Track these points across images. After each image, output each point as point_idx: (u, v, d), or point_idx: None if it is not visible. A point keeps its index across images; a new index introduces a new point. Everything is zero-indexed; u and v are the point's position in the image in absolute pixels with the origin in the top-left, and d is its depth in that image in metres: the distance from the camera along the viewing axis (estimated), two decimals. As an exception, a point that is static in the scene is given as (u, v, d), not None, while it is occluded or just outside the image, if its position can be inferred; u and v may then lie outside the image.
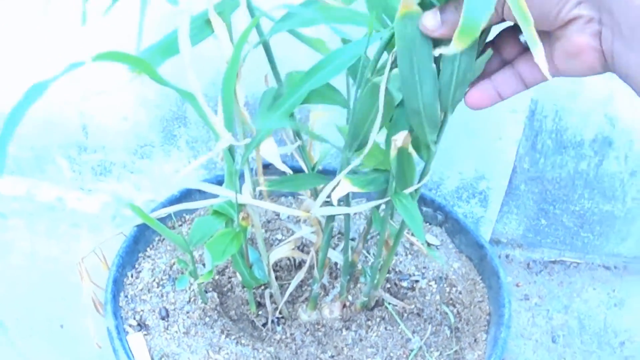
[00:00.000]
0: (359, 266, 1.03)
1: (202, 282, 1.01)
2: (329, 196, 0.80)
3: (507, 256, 1.50)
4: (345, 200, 0.90)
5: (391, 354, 0.99)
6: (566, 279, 1.49)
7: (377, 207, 0.88)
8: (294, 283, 1.00)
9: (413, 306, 1.05)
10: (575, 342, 1.37)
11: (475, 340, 1.02)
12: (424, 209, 1.17)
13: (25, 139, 1.48)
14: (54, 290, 1.37)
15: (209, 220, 0.91)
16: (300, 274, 1.00)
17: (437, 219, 1.17)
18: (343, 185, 0.80)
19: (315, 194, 0.97)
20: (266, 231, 1.13)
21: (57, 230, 1.50)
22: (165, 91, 1.34)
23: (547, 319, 1.40)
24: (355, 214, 1.17)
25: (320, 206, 0.86)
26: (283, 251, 1.04)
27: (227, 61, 0.75)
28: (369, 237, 1.06)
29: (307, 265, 0.99)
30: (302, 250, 1.10)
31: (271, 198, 1.17)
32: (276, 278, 1.04)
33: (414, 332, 1.03)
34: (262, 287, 1.06)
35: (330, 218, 0.91)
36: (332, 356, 1.00)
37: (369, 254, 1.09)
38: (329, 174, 0.91)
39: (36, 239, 1.48)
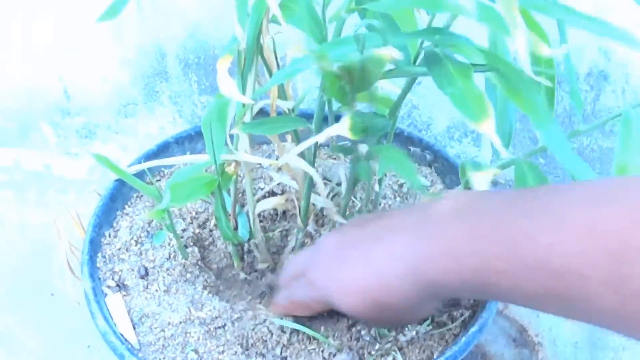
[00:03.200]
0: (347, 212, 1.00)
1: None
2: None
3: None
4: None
5: None
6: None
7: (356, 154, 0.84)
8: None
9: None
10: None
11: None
12: (412, 148, 1.13)
13: (8, 110, 1.45)
14: (43, 259, 1.34)
15: (186, 172, 0.88)
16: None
17: (426, 158, 1.12)
18: (341, 126, 0.76)
19: (296, 140, 0.93)
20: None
21: (44, 198, 1.47)
22: (145, 47, 1.31)
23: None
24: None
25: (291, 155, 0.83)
26: (272, 202, 1.00)
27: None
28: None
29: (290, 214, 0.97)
30: (282, 193, 1.07)
31: (253, 147, 1.13)
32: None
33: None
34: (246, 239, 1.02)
35: (310, 164, 0.87)
36: None
37: (357, 198, 1.05)
38: (308, 117, 0.87)
39: (25, 209, 1.46)
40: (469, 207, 0.67)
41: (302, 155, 0.86)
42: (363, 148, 0.80)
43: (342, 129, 0.77)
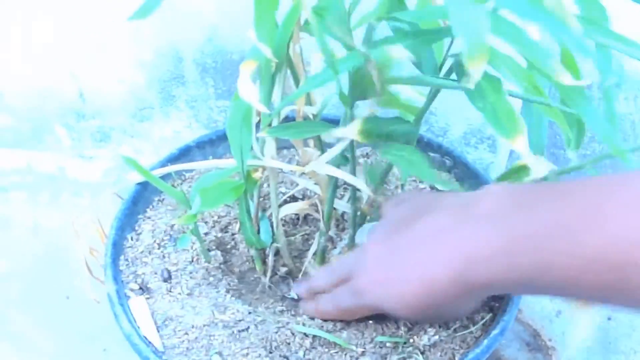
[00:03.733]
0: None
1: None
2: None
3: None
4: (351, 151, 0.86)
5: None
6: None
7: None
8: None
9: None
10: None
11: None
12: (431, 154, 1.13)
13: (22, 111, 1.45)
14: (58, 262, 1.35)
15: (212, 177, 0.88)
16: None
17: (446, 164, 1.13)
18: (351, 129, 0.77)
19: (319, 145, 0.94)
20: (269, 185, 1.10)
21: (58, 200, 1.47)
22: (162, 50, 1.31)
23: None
24: (364, 158, 1.14)
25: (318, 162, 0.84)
26: (295, 207, 1.01)
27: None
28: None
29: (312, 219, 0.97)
30: (304, 199, 1.07)
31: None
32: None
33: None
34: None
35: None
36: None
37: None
38: (332, 122, 0.88)
39: (38, 210, 1.46)
40: (520, 201, 0.66)
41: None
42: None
43: (351, 132, 0.78)
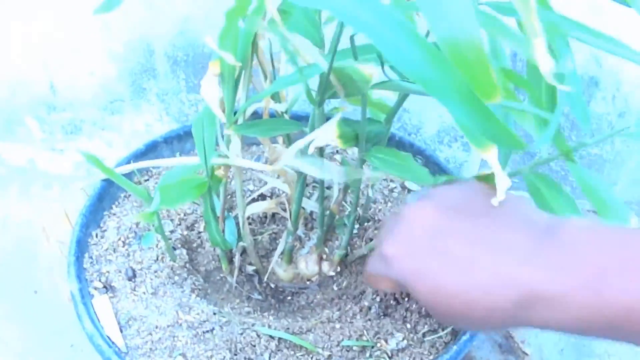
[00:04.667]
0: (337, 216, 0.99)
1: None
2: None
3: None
4: (319, 151, 0.85)
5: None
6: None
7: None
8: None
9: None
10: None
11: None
12: (402, 153, 1.12)
13: (-7, 102, 1.43)
14: (26, 256, 1.33)
15: (176, 174, 0.87)
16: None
17: (417, 163, 1.12)
18: (329, 135, 0.75)
19: (287, 142, 0.92)
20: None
21: (28, 193, 1.45)
22: (133, 43, 1.29)
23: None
24: (333, 157, 1.13)
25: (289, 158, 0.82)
26: (262, 206, 0.99)
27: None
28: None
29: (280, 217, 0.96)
30: (272, 198, 1.06)
31: (242, 147, 1.12)
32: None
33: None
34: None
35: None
36: (304, 317, 0.97)
37: (347, 203, 1.04)
38: (301, 119, 0.86)
39: (8, 203, 1.44)
40: (604, 235, 0.62)
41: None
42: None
43: (330, 137, 0.76)
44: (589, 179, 0.72)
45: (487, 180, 0.69)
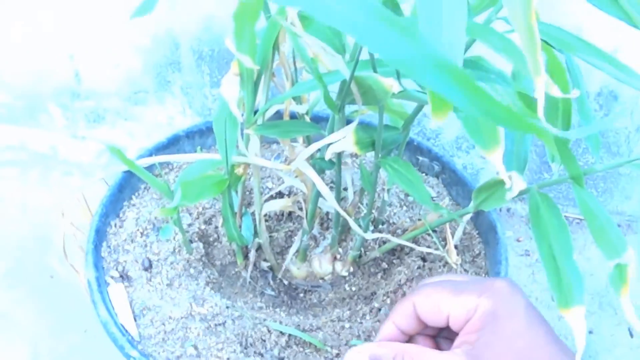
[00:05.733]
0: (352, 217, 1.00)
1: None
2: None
3: (508, 210, 1.48)
4: (337, 156, 0.86)
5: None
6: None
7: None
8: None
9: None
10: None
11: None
12: (420, 158, 1.13)
13: (18, 88, 1.45)
14: (44, 241, 1.35)
15: (197, 169, 0.88)
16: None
17: (434, 169, 1.13)
18: (346, 142, 0.76)
19: (307, 141, 0.94)
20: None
21: (48, 180, 1.47)
22: (159, 36, 1.31)
23: (548, 276, 1.37)
24: (351, 160, 1.14)
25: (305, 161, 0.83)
26: (278, 204, 1.01)
27: None
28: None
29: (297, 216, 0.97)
30: (290, 196, 1.07)
31: (263, 145, 1.13)
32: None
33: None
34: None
35: (319, 169, 0.88)
36: (315, 314, 0.98)
37: (363, 205, 1.05)
38: (320, 121, 0.88)
39: (28, 188, 1.46)
40: None
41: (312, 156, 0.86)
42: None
43: (348, 144, 0.77)
44: (592, 205, 0.73)
45: (495, 187, 0.71)
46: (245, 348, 0.86)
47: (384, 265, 1.03)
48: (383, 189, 1.00)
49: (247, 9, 0.68)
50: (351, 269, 1.02)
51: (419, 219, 1.05)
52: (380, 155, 0.82)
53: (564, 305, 0.67)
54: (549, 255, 0.71)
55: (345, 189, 1.02)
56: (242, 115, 0.80)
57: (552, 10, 1.17)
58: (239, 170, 0.88)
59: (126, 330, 0.86)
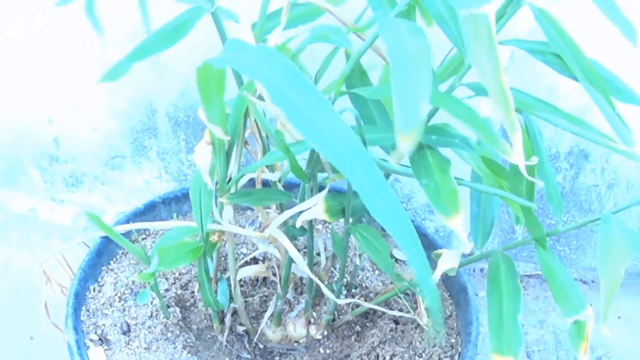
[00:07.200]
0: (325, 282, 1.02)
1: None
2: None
3: (481, 270, 1.49)
4: (308, 223, 0.89)
5: None
6: (542, 293, 1.48)
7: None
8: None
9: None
10: (550, 358, 1.36)
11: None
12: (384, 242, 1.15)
13: (-3, 150, 1.46)
14: (24, 302, 1.36)
15: (173, 236, 0.90)
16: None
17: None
18: (316, 210, 0.78)
19: (281, 208, 0.96)
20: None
21: (29, 241, 1.48)
22: (136, 102, 1.33)
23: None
24: (322, 226, 1.16)
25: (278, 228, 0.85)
26: (253, 270, 1.02)
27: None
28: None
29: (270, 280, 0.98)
30: (264, 262, 1.09)
31: (237, 211, 1.15)
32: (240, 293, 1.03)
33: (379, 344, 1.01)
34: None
35: (292, 236, 0.90)
36: None
37: (336, 269, 1.07)
38: (293, 188, 0.90)
39: (8, 249, 1.47)
40: None
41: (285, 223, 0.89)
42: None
43: (318, 212, 0.79)
44: (553, 265, 0.76)
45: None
46: (223, 413, 0.88)
47: (358, 328, 1.05)
48: (355, 254, 1.03)
49: (208, 79, 0.70)
50: (325, 332, 1.04)
51: (391, 282, 1.07)
52: (350, 222, 0.84)
53: (500, 352, 0.71)
54: (497, 307, 0.74)
55: (318, 254, 1.04)
56: (216, 183, 0.82)
57: (526, 70, 1.20)
58: (214, 238, 0.90)
59: (105, 395, 0.88)
